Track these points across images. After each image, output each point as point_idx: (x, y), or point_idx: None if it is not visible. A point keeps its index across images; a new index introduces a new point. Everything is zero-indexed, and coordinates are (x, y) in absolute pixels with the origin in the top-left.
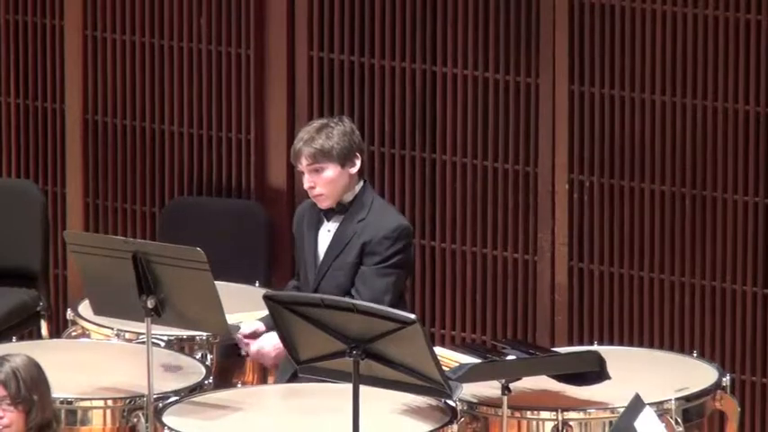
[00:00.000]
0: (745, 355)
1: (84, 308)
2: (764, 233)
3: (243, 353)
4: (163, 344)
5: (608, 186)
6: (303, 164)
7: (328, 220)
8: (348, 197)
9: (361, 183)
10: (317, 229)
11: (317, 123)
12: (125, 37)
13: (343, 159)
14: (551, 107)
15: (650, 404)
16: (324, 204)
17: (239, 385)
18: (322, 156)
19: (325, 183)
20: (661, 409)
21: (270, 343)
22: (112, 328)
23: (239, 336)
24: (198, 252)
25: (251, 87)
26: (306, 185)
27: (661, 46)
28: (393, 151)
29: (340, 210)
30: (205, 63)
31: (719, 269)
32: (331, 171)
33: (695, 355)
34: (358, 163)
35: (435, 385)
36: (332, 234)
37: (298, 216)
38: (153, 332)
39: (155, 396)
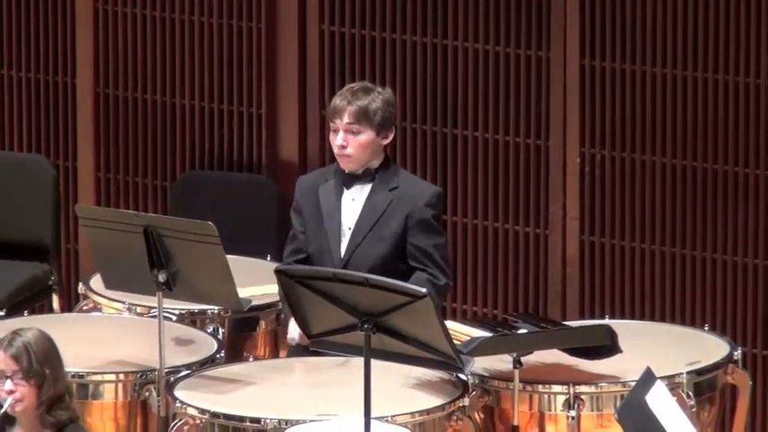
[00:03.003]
0: (756, 328)
1: (96, 282)
2: None
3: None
4: (174, 318)
5: (619, 160)
6: (343, 121)
7: (349, 188)
8: (375, 163)
9: (384, 153)
10: (339, 197)
11: (360, 85)
12: (136, 10)
13: (381, 128)
14: (562, 81)
15: (662, 378)
16: (348, 166)
17: (251, 359)
18: (365, 118)
19: (357, 146)
20: (672, 383)
21: None
22: (124, 302)
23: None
24: (209, 226)
25: (262, 61)
26: (337, 142)
27: (672, 19)
28: (404, 124)
29: (366, 177)
30: (216, 36)
31: (731, 243)
32: (367, 136)
33: (707, 328)
34: (390, 136)
35: (447, 359)
36: (360, 202)
37: (303, 186)
38: (164, 306)
39: (166, 370)
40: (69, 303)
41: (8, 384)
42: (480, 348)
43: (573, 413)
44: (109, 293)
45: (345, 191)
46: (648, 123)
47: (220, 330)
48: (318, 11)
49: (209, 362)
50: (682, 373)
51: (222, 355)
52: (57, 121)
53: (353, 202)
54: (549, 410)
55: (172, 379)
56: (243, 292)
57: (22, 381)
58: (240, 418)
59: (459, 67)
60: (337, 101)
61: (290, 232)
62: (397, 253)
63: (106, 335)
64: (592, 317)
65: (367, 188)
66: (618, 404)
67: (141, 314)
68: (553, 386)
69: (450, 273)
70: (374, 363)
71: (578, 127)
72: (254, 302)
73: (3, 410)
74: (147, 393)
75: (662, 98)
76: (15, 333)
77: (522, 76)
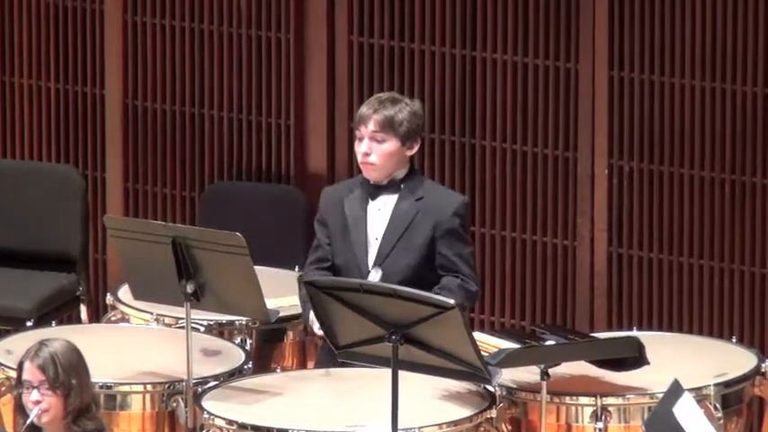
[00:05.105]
0: None
1: (124, 292)
2: None
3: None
4: (202, 329)
5: (647, 171)
6: (368, 129)
7: (374, 199)
8: (400, 174)
9: (409, 164)
10: (364, 208)
11: (389, 95)
12: (165, 21)
13: (406, 138)
14: (591, 92)
15: (689, 390)
16: (371, 175)
17: (279, 370)
18: (390, 127)
19: (381, 154)
20: (700, 395)
21: None
22: (152, 313)
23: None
24: (237, 237)
25: (291, 72)
26: (361, 150)
27: (701, 31)
28: (433, 136)
29: (392, 187)
30: (245, 47)
31: (758, 254)
32: (391, 145)
33: (734, 340)
34: (416, 147)
35: (474, 370)
36: (387, 213)
37: (328, 197)
38: (192, 317)
39: (194, 381)
40: (97, 314)
41: (35, 395)
42: (508, 360)
43: (600, 425)
44: (137, 304)
45: (371, 201)
46: (677, 135)
47: (248, 341)
48: (347, 22)
49: (237, 373)
50: (709, 385)
51: (250, 365)
52: (86, 132)
53: (379, 212)
54: (577, 422)
55: (199, 390)
56: (271, 303)
57: (49, 391)
58: (268, 429)
59: (488, 79)
60: (364, 109)
61: (314, 242)
62: (426, 263)
63: (134, 345)
64: (619, 328)
65: (393, 198)
66: (645, 416)
67: (169, 325)
68: (580, 398)
69: (478, 281)
70: (402, 374)
71: (606, 138)
72: (282, 313)
73: (29, 421)
74: (174, 404)
75: (690, 110)
76: (42, 343)
77: (551, 88)
